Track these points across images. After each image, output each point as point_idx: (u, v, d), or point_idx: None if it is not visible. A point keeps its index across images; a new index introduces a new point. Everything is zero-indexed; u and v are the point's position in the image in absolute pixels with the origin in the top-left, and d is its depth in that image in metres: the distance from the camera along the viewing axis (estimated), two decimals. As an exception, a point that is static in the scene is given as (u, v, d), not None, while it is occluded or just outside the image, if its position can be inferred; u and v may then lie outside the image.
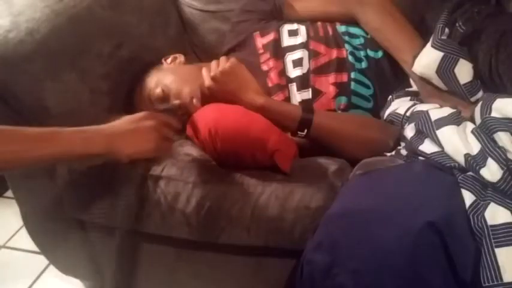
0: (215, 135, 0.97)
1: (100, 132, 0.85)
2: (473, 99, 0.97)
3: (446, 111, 0.92)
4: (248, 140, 0.96)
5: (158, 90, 1.16)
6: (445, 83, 0.98)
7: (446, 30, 1.00)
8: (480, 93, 0.96)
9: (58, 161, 0.82)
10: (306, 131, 1.04)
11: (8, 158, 0.76)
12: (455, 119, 0.89)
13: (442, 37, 0.99)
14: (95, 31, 1.17)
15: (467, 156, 0.81)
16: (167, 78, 1.18)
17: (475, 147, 0.81)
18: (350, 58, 1.15)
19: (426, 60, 0.99)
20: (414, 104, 1.02)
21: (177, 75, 1.19)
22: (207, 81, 1.08)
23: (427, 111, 0.92)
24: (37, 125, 0.82)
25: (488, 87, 0.96)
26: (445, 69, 0.96)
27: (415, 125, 0.92)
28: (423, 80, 1.02)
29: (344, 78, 1.14)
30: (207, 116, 1.00)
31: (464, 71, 0.96)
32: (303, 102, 1.14)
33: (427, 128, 0.89)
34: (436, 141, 0.86)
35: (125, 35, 1.24)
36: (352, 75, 1.14)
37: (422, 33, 1.09)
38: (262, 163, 0.98)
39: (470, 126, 0.87)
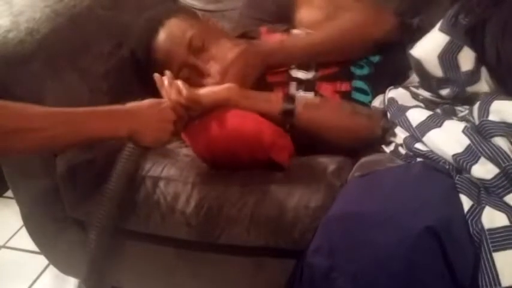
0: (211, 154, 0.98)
1: (125, 115, 0.86)
2: (469, 89, 0.97)
3: (424, 114, 0.93)
4: (243, 143, 0.95)
5: (198, 42, 1.09)
6: (444, 68, 0.98)
7: (453, 20, 1.00)
8: (477, 86, 0.97)
9: (92, 140, 0.87)
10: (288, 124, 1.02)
11: (58, 140, 0.78)
12: (435, 121, 0.90)
13: (450, 24, 0.99)
14: (95, 31, 1.17)
15: (455, 156, 0.81)
16: (213, 36, 1.11)
17: (462, 145, 0.82)
18: (353, 66, 1.14)
19: (431, 43, 0.99)
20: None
21: (219, 40, 1.12)
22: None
23: (406, 116, 0.94)
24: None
25: (495, 73, 0.95)
26: (449, 53, 0.96)
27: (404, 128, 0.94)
28: None
29: (347, 86, 1.13)
30: (198, 137, 0.99)
31: (467, 59, 0.96)
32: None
33: (413, 135, 0.91)
34: (426, 145, 0.87)
35: (125, 35, 1.24)
36: (354, 83, 1.13)
37: (422, 31, 1.09)
38: (260, 162, 0.98)
39: (459, 125, 0.88)
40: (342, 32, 1.14)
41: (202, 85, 1.10)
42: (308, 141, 1.04)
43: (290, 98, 1.04)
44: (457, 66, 0.96)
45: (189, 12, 1.21)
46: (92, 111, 0.83)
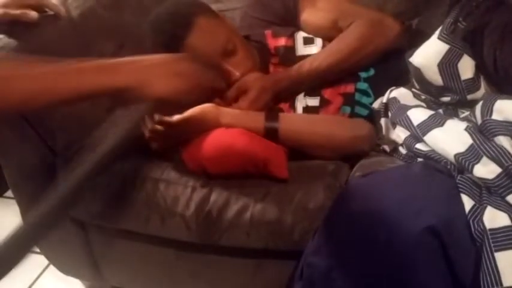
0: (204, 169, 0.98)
1: (129, 64, 0.76)
2: (469, 97, 0.97)
3: (426, 113, 0.93)
4: (236, 162, 0.95)
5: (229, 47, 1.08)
6: (444, 76, 0.98)
7: (452, 26, 1.00)
8: (478, 93, 0.97)
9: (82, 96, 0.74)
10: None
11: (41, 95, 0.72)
12: (437, 121, 0.90)
13: (449, 32, 0.99)
14: (98, 32, 1.17)
15: (457, 156, 0.81)
16: (239, 40, 1.11)
17: (464, 144, 0.82)
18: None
19: (430, 51, 0.99)
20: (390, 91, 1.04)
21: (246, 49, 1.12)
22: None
23: (407, 115, 0.93)
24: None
25: (493, 80, 0.95)
26: (449, 62, 0.96)
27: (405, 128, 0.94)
28: None
29: (351, 88, 1.13)
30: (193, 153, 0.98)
31: (466, 67, 0.96)
32: (308, 108, 1.13)
33: (414, 134, 0.91)
34: (427, 144, 0.87)
35: (127, 35, 1.24)
36: (358, 85, 1.13)
37: (420, 32, 1.09)
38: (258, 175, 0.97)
39: (461, 124, 0.88)
40: (349, 52, 1.11)
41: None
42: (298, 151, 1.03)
43: (272, 116, 1.02)
44: (457, 75, 0.96)
45: (213, 11, 1.17)
46: (81, 66, 0.73)
